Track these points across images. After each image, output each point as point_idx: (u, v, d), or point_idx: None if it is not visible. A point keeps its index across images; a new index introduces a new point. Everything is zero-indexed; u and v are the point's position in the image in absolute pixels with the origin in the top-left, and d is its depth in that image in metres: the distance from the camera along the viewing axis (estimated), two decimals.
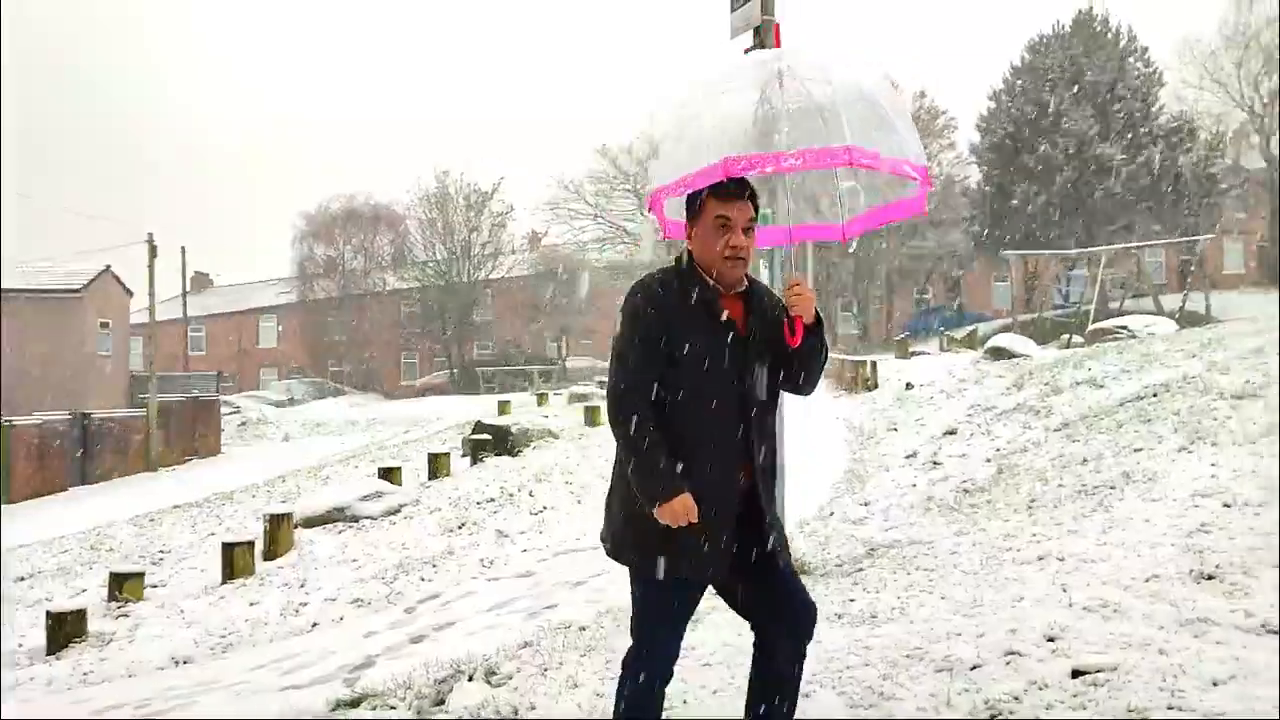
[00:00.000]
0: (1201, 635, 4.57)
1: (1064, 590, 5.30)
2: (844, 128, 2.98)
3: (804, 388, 3.14)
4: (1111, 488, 6.84)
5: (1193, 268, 38.66)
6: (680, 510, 2.85)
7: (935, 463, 9.72)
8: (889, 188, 3.46)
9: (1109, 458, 7.57)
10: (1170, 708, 4.00)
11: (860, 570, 6.67)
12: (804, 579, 6.70)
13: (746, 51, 7.33)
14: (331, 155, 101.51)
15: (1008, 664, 4.61)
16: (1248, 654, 4.33)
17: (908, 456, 10.50)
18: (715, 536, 2.94)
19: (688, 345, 2.93)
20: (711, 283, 3.01)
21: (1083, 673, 4.40)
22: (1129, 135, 40.60)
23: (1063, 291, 42.95)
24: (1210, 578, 5.12)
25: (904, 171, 3.10)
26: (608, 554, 3.13)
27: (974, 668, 4.63)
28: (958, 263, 49.40)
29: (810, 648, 5.21)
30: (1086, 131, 39.86)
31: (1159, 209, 40.91)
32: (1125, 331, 22.23)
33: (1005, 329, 29.85)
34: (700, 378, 2.93)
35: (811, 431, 14.15)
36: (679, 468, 2.88)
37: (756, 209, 3.05)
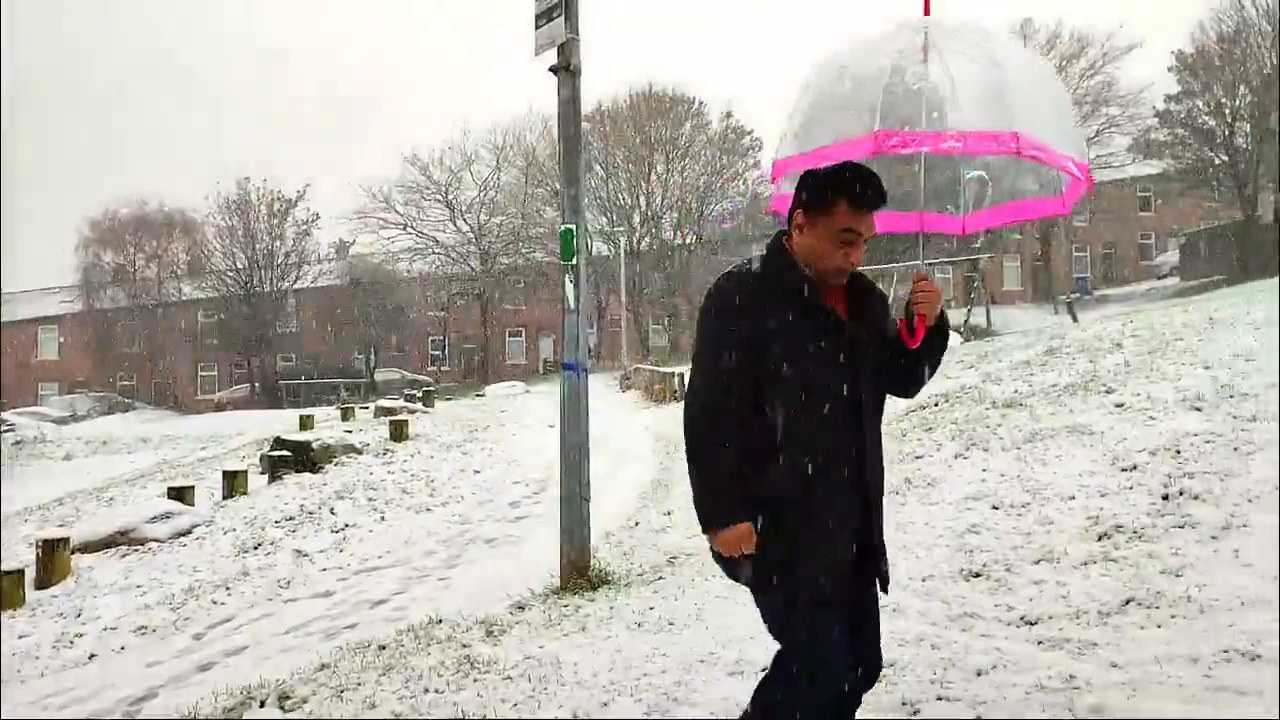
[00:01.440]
0: (969, 629, 4.91)
1: None
2: (1012, 112, 2.65)
3: (911, 391, 2.91)
4: (895, 493, 7.25)
5: (976, 284, 41.33)
6: (734, 540, 2.61)
7: None
8: (1030, 184, 3.14)
9: (895, 464, 8.01)
10: (939, 698, 4.28)
11: (661, 578, 6.81)
12: (606, 589, 6.84)
13: (552, 70, 7.40)
14: (116, 157, 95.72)
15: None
16: (1008, 644, 4.68)
17: None
18: (840, 554, 2.72)
19: (790, 343, 2.61)
20: (810, 273, 2.69)
21: None
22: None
23: None
24: (978, 575, 5.50)
25: (1068, 169, 2.80)
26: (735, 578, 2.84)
27: (764, 669, 4.81)
28: None
29: (610, 656, 5.35)
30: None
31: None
32: None
33: None
34: (808, 378, 2.61)
35: (620, 442, 14.35)
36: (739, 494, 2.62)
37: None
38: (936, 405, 9.81)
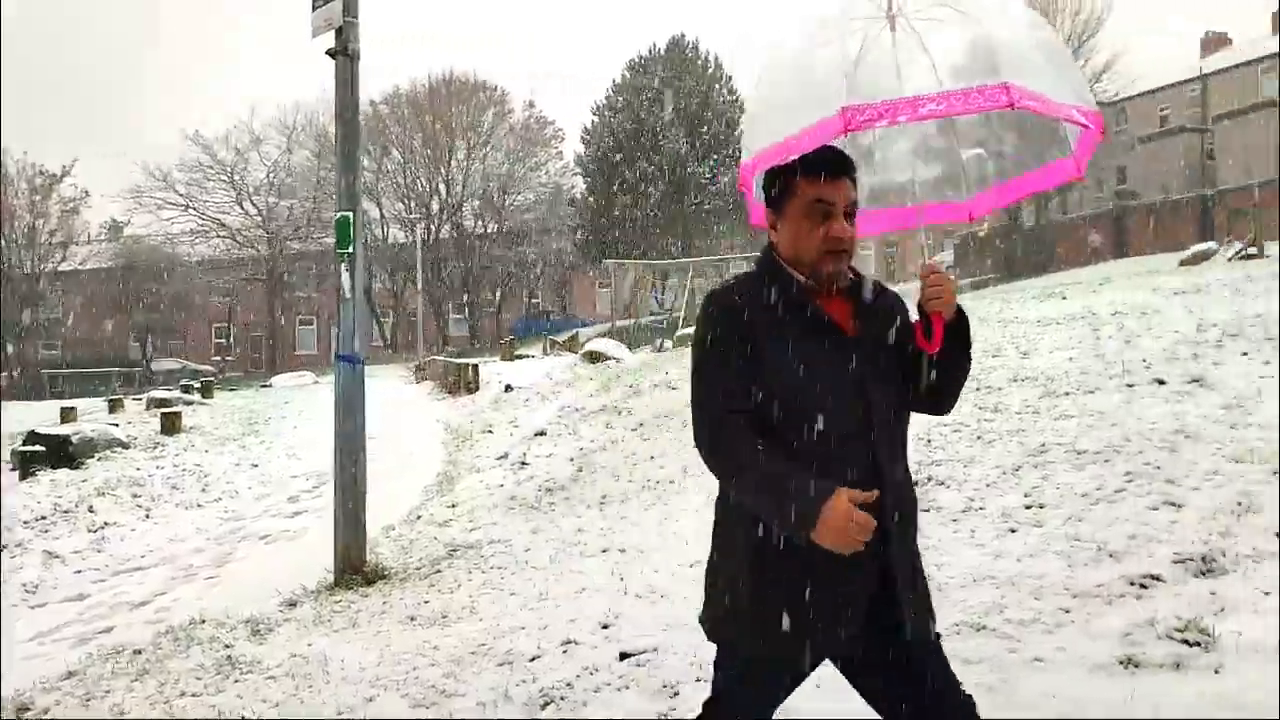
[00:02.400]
0: None
1: (621, 580, 5.71)
2: (997, 64, 2.32)
3: (944, 404, 2.46)
4: (672, 482, 7.46)
5: None
6: (842, 521, 2.06)
7: (524, 463, 10.07)
8: (1033, 150, 2.76)
9: (673, 454, 8.24)
10: (698, 680, 4.44)
11: (438, 572, 6.76)
12: (383, 584, 6.73)
13: (329, 54, 7.18)
14: None
15: (565, 653, 4.89)
16: None
17: (499, 458, 10.79)
18: (842, 600, 2.22)
19: (782, 359, 2.23)
20: (804, 280, 2.33)
21: (629, 655, 4.77)
22: (715, 155, 44.27)
23: (659, 299, 45.94)
24: None
25: (1073, 118, 2.42)
26: (709, 636, 2.47)
27: (534, 659, 4.87)
28: (565, 269, 51.32)
29: (379, 652, 5.28)
30: (679, 150, 42.92)
31: (741, 226, 45.01)
32: None
33: (605, 334, 31.42)
34: (802, 396, 2.22)
35: (409, 435, 14.12)
36: (813, 477, 2.13)
37: (856, 188, 2.38)
38: None
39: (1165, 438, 6.39)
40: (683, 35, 46.54)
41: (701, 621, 2.48)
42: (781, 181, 2.37)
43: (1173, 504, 5.47)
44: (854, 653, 2.32)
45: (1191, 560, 4.86)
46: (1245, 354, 8.07)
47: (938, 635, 2.41)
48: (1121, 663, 4.10)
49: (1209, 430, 6.46)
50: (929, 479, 6.41)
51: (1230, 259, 23.55)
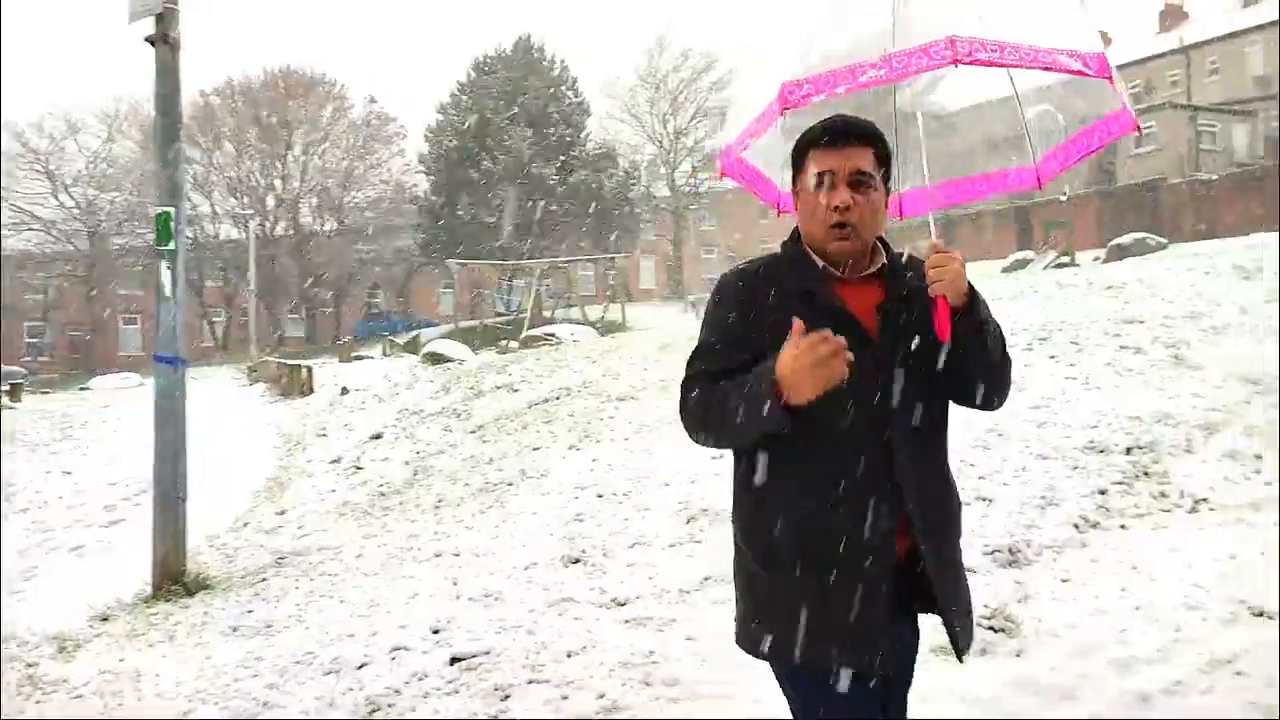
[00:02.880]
0: (564, 614, 5.12)
1: (454, 584, 5.63)
2: (958, 13, 2.13)
3: (977, 398, 2.15)
4: (509, 484, 7.41)
5: (611, 282, 43.13)
6: (790, 357, 1.83)
7: (358, 467, 9.83)
8: (1089, 101, 2.46)
9: (512, 457, 8.20)
10: (530, 681, 4.43)
11: (264, 580, 6.52)
12: (205, 595, 6.45)
13: (149, 40, 6.84)
14: None
15: (393, 659, 4.79)
16: (598, 625, 4.93)
17: (332, 462, 10.50)
18: (868, 610, 2.02)
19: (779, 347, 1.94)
20: (821, 265, 2.12)
21: (460, 659, 4.71)
22: (562, 157, 44.30)
23: (504, 300, 45.66)
24: (577, 561, 5.75)
25: (1060, 65, 2.14)
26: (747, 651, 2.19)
27: (361, 666, 4.75)
28: (407, 269, 50.40)
29: (198, 665, 5.06)
30: (524, 151, 42.76)
31: (588, 227, 45.20)
32: (554, 338, 24.20)
33: (448, 335, 31.02)
34: (823, 398, 1.92)
35: (238, 439, 13.57)
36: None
37: (885, 158, 2.13)
38: (559, 399, 10.15)
39: (980, 436, 6.72)
40: (529, 36, 46.44)
41: (737, 641, 2.21)
42: (795, 157, 2.18)
43: (985, 499, 5.76)
44: (893, 662, 2.08)
45: (1000, 552, 5.14)
46: (1053, 357, 8.59)
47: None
48: (934, 651, 4.29)
49: (1019, 429, 6.84)
50: None
51: (1045, 267, 25.03)
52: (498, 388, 11.81)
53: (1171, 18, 54.36)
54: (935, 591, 2.08)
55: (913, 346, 2.07)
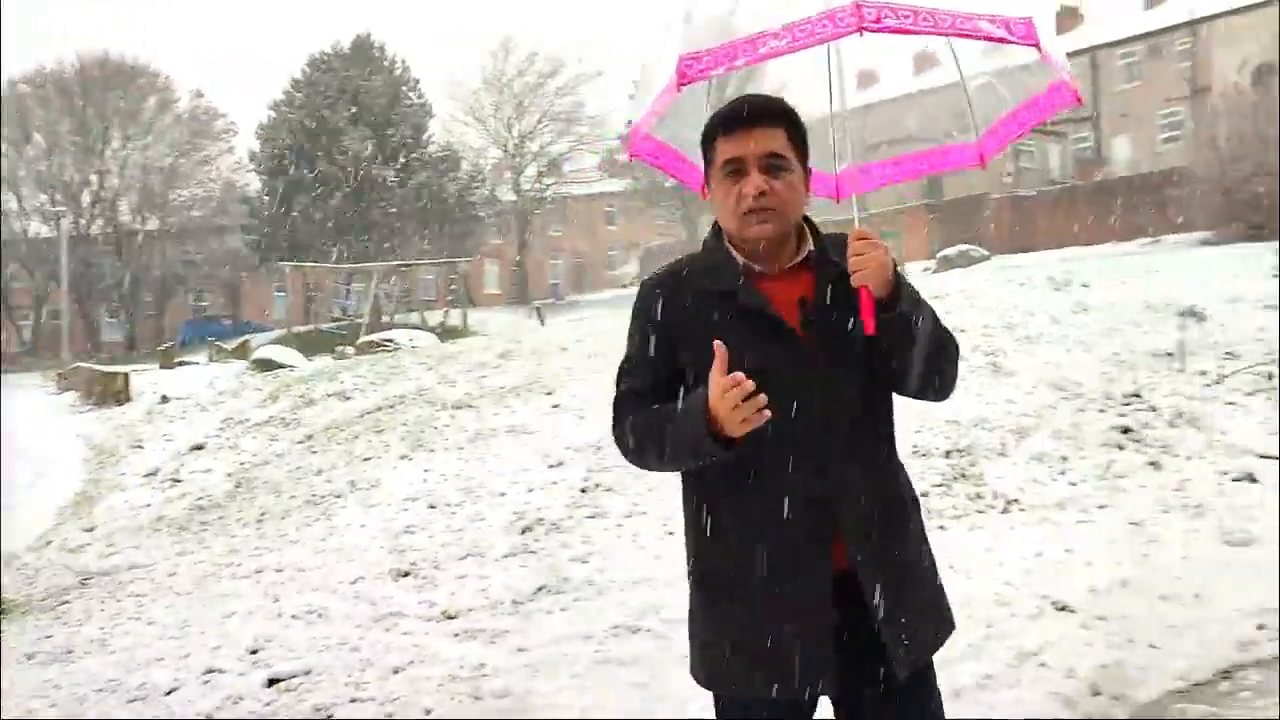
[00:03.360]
0: (391, 629, 4.96)
1: (275, 601, 5.39)
2: None
3: (922, 391, 2.00)
4: (338, 496, 7.17)
5: (453, 286, 42.56)
6: (716, 398, 1.74)
7: (176, 480, 9.32)
8: (1029, 75, 2.31)
9: (341, 467, 7.93)
10: (353, 700, 4.26)
11: (66, 603, 6.09)
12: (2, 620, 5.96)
13: None
14: None
15: (206, 682, 4.55)
16: (427, 640, 4.79)
17: (148, 475, 9.91)
18: (796, 632, 1.91)
19: (704, 350, 1.80)
20: (742, 262, 1.98)
21: (278, 680, 4.50)
22: (402, 159, 43.41)
23: (342, 304, 44.40)
24: (407, 574, 5.59)
25: (981, 31, 2.02)
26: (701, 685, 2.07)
27: (170, 691, 4.49)
28: (236, 271, 48.46)
29: None
30: (363, 152, 41.71)
31: (430, 230, 44.45)
32: (392, 344, 23.61)
33: (279, 340, 29.93)
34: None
35: (43, 451, 12.69)
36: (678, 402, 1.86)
37: (799, 139, 1.99)
38: (392, 407, 9.89)
39: None
40: (369, 35, 45.36)
41: (692, 672, 2.10)
42: (703, 148, 2.04)
43: None
44: (832, 686, 1.95)
45: None
46: None
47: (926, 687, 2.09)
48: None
49: None
50: (597, 486, 6.54)
51: None
52: (329, 395, 11.42)
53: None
54: (867, 599, 1.92)
55: (843, 338, 1.93)
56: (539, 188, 54.16)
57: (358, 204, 41.84)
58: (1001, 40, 2.04)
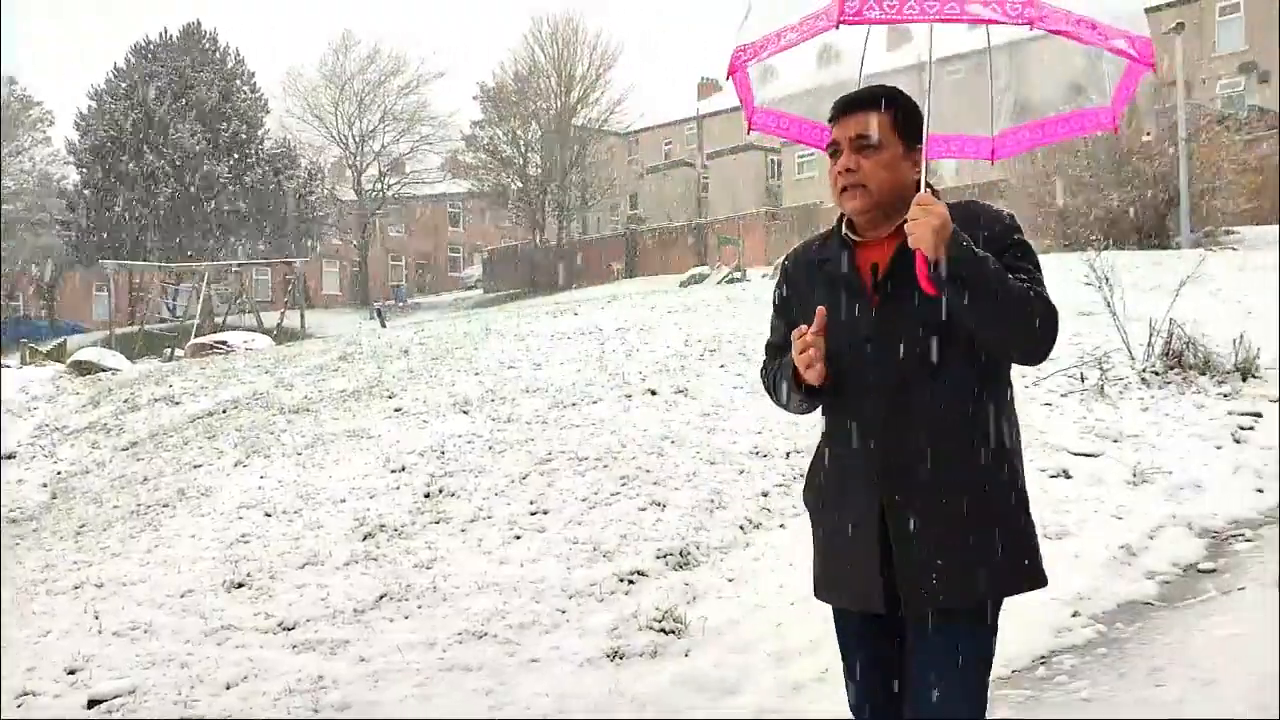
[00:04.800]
0: (224, 642, 4.76)
1: (96, 617, 5.09)
2: None
3: (1005, 351, 2.17)
4: (166, 505, 6.82)
5: (290, 287, 41.18)
6: (796, 354, 2.13)
7: None
8: (1064, 91, 2.54)
9: (169, 475, 7.55)
10: (182, 718, 4.08)
11: None
12: None
13: None
14: None
15: (19, 706, 4.27)
16: (262, 653, 4.62)
17: None
18: (853, 558, 2.21)
19: (811, 313, 2.17)
20: (843, 233, 2.28)
21: (99, 700, 4.27)
22: (236, 155, 41.76)
23: (170, 305, 42.38)
24: (241, 585, 5.37)
25: (969, 15, 2.10)
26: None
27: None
28: (54, 269, 45.60)
29: None
30: (193, 146, 39.95)
31: (265, 229, 42.87)
32: (225, 346, 22.65)
33: (101, 342, 28.33)
34: (831, 357, 2.15)
35: None
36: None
37: (898, 121, 2.20)
38: (225, 412, 9.49)
39: (655, 443, 6.97)
40: (199, 23, 43.45)
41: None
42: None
43: (659, 504, 5.97)
44: (879, 604, 2.19)
45: (671, 555, 5.33)
46: (722, 367, 9.08)
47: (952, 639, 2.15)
48: (608, 655, 4.38)
49: (691, 435, 7.15)
50: (440, 490, 6.45)
51: (719, 282, 26.53)
52: (156, 400, 10.86)
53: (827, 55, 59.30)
54: (893, 542, 2.14)
55: (913, 299, 2.11)
56: (381, 188, 53.03)
57: (188, 200, 40.01)
58: (991, 21, 2.15)
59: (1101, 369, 7.92)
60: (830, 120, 2.27)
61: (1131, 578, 4.94)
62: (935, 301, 2.06)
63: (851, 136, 2.20)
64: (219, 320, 36.23)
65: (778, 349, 2.37)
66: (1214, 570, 5.12)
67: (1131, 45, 2.22)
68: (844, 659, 2.35)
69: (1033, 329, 2.08)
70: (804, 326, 2.13)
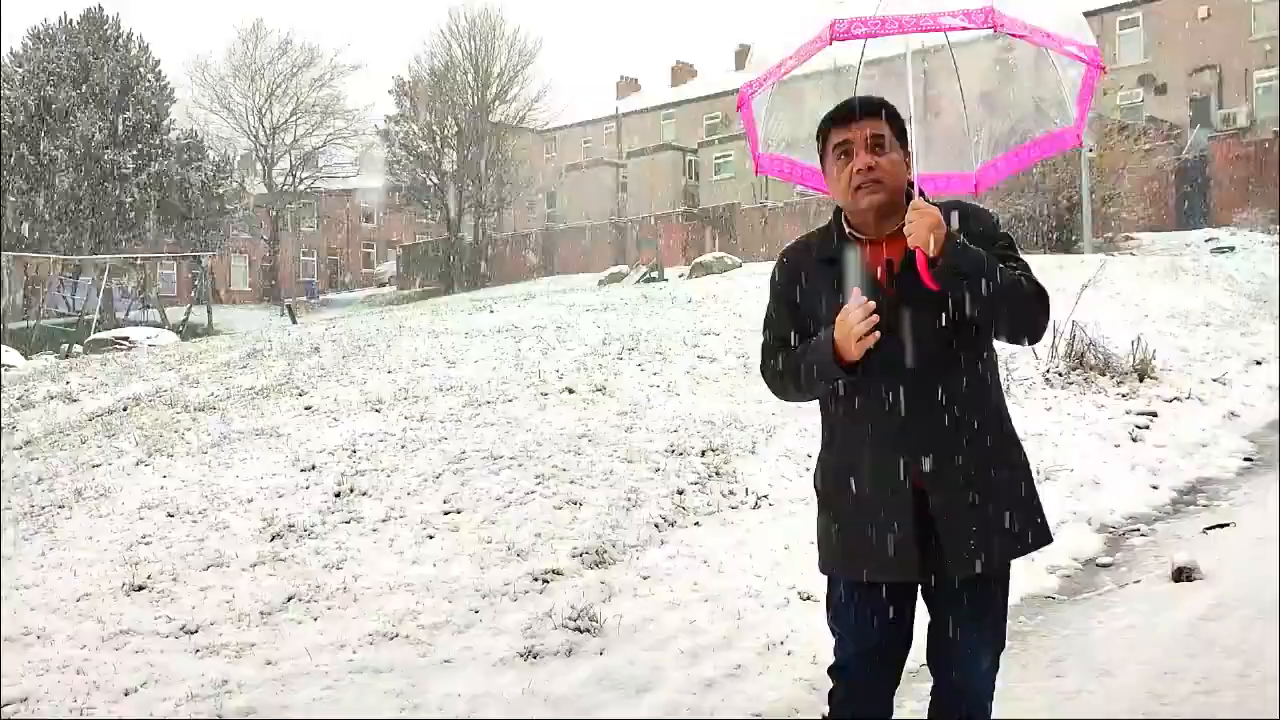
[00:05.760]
0: (122, 647, 4.60)
1: None
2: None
3: (1007, 336, 2.43)
4: (61, 507, 6.56)
5: (196, 282, 40.10)
6: (844, 326, 2.26)
7: None
8: (1036, 117, 2.77)
9: (65, 475, 7.27)
10: None
11: None
12: None
13: None
14: None
15: None
16: (163, 658, 4.48)
17: None
18: (887, 531, 2.38)
19: (818, 307, 2.43)
20: (848, 230, 2.46)
21: None
22: (140, 145, 40.48)
23: (68, 299, 40.89)
24: (141, 588, 5.20)
25: (943, 25, 2.40)
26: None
27: None
28: None
29: None
30: (95, 135, 38.61)
31: (171, 222, 41.64)
32: (126, 342, 22.00)
33: None
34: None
35: None
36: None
37: (898, 129, 2.42)
38: (126, 410, 9.18)
39: (572, 442, 6.95)
40: (100, 8, 41.96)
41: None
42: (819, 140, 2.49)
43: (574, 502, 5.95)
44: (922, 580, 2.44)
45: (587, 554, 5.32)
46: (639, 366, 9.10)
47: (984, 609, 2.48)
48: (522, 655, 4.35)
49: (608, 434, 7.15)
50: (351, 490, 6.33)
51: (637, 281, 26.58)
52: (52, 397, 10.45)
53: (746, 56, 59.93)
54: (934, 514, 2.37)
55: (924, 292, 2.30)
56: (292, 181, 51.94)
57: (89, 192, 38.66)
58: (963, 28, 2.43)
59: (1008, 369, 8.14)
60: (833, 123, 2.43)
61: (1035, 572, 5.07)
62: (942, 295, 2.30)
63: (869, 135, 2.38)
64: (122, 316, 35.12)
65: (784, 341, 2.52)
66: (1111, 564, 5.30)
67: (1082, 51, 2.51)
68: (840, 624, 2.58)
69: (1029, 310, 2.36)
70: (863, 298, 2.26)
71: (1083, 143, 2.98)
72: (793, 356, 2.46)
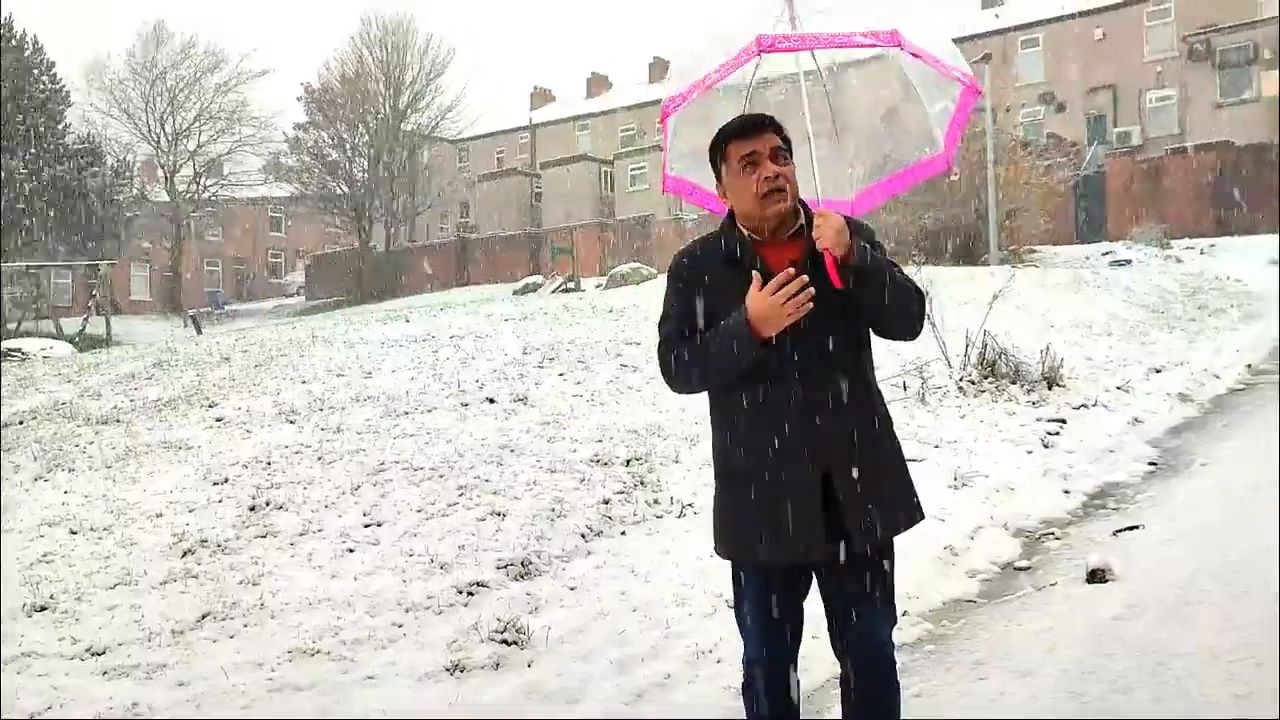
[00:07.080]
0: (24, 670, 4.38)
1: None
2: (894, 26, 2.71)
3: (889, 332, 2.66)
4: None
5: (94, 292, 38.76)
6: (762, 297, 2.42)
7: None
8: (907, 147, 3.07)
9: None
10: None
11: None
12: None
13: None
14: None
15: None
16: (68, 680, 4.29)
17: None
18: (793, 515, 2.52)
19: (721, 308, 2.54)
20: (746, 234, 2.61)
21: None
22: (33, 149, 38.99)
23: None
24: (44, 609, 4.97)
25: (854, 42, 2.75)
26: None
27: None
28: None
29: None
30: None
31: (66, 229, 40.16)
32: (20, 354, 21.10)
33: None
34: None
35: None
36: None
37: (786, 143, 2.60)
38: (22, 423, 8.78)
39: (494, 452, 6.86)
40: None
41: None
42: (717, 153, 2.64)
43: (498, 514, 5.87)
44: (821, 560, 2.58)
45: (513, 565, 5.25)
46: (561, 375, 9.04)
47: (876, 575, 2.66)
48: (448, 669, 4.26)
49: (531, 444, 7.08)
50: (267, 503, 6.15)
51: (553, 291, 26.49)
52: None
53: (661, 70, 60.36)
54: (839, 496, 2.53)
55: (824, 291, 2.45)
56: (196, 189, 50.54)
57: None
58: (872, 45, 2.76)
59: (922, 378, 8.30)
60: (735, 136, 2.59)
61: (955, 576, 5.17)
62: (840, 294, 2.48)
63: (775, 146, 2.56)
64: (12, 326, 33.68)
65: (693, 331, 2.60)
66: (1028, 568, 5.42)
67: (963, 77, 2.87)
68: (749, 615, 2.68)
69: (915, 310, 2.62)
70: (791, 270, 2.42)
71: (952, 168, 3.19)
72: (705, 343, 2.56)
